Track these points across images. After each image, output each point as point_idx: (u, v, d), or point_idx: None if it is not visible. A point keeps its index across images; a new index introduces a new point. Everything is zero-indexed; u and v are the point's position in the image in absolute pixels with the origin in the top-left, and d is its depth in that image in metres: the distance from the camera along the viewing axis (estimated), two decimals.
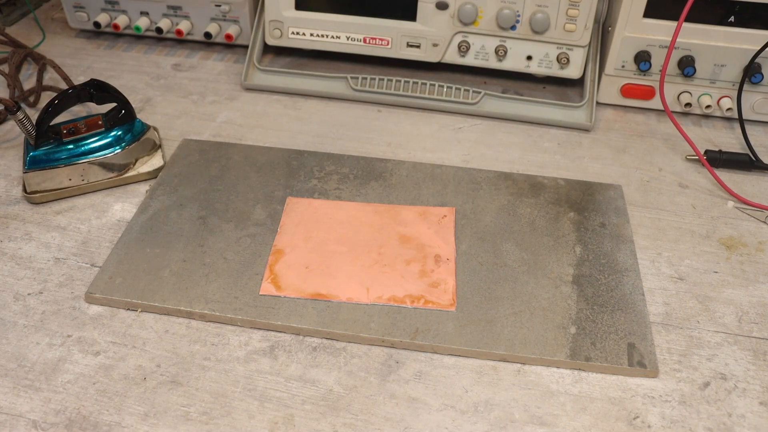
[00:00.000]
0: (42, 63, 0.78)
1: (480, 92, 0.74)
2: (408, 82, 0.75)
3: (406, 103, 0.76)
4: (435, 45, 0.75)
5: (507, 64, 0.75)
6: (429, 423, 0.44)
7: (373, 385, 0.47)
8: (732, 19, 0.68)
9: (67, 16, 0.86)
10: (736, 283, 0.55)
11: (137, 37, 0.88)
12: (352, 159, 0.65)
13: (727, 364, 0.49)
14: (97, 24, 0.84)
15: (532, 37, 0.72)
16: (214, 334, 0.50)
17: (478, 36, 0.74)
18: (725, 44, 0.69)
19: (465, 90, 0.74)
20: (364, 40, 0.76)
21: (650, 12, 0.69)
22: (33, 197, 0.60)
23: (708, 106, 0.73)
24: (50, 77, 0.79)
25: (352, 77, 0.76)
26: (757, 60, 0.69)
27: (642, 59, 0.71)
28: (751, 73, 0.69)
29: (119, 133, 0.62)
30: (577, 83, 0.78)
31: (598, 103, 0.76)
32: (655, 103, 0.75)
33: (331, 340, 0.50)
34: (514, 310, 0.51)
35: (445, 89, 0.75)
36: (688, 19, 0.66)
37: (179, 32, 0.83)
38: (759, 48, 0.68)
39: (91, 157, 0.61)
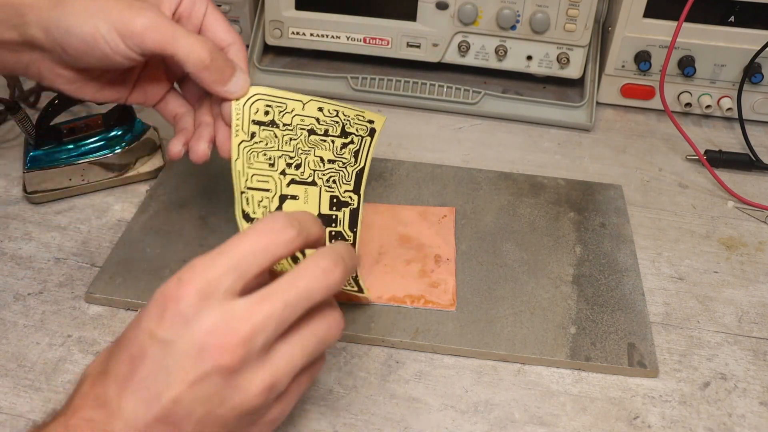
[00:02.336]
0: None
1: (480, 92, 0.74)
2: (408, 82, 0.75)
3: (406, 103, 0.76)
4: (435, 45, 0.75)
5: (507, 64, 0.75)
6: (429, 423, 0.44)
7: (373, 385, 0.47)
8: (732, 19, 0.68)
9: None
10: (736, 283, 0.55)
11: None
12: None
13: (727, 364, 0.49)
14: None
15: (532, 37, 0.72)
16: None
17: (478, 36, 0.74)
18: (725, 44, 0.69)
19: (465, 90, 0.74)
20: (364, 40, 0.76)
21: (650, 12, 0.69)
22: (33, 197, 0.60)
23: (708, 106, 0.73)
24: None
25: (352, 77, 0.76)
26: (757, 60, 0.69)
27: (642, 59, 0.71)
28: (751, 73, 0.69)
29: (119, 133, 0.62)
30: (577, 83, 0.78)
31: (598, 103, 0.76)
32: (655, 103, 0.75)
33: None
34: (514, 310, 0.51)
35: (445, 89, 0.75)
36: (688, 19, 0.66)
37: None
38: (759, 48, 0.68)
39: (92, 157, 0.61)
